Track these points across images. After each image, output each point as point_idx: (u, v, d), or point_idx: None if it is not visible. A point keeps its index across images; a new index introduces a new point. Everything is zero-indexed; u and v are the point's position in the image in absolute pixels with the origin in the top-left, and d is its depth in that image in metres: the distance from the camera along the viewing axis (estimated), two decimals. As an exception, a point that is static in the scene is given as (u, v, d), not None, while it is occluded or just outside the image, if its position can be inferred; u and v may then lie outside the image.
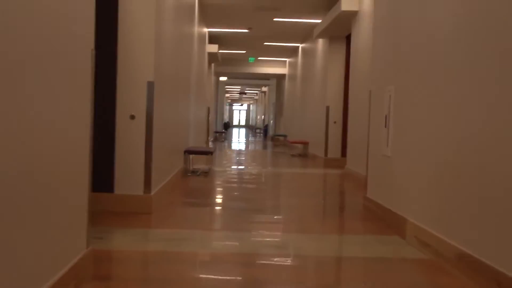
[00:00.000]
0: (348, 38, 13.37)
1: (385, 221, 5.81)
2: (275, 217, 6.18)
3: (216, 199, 7.49)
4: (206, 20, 15.34)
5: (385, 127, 5.90)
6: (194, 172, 10.29)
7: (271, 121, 33.29)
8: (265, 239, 5.00)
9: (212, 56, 18.02)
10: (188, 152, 9.86)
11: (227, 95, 53.12)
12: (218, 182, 9.24)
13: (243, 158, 15.27)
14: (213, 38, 17.81)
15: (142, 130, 6.07)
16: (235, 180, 9.70)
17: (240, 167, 12.35)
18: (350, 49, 11.34)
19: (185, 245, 4.60)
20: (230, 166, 12.36)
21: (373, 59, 6.65)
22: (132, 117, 6.07)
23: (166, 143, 7.36)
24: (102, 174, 6.07)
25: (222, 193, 8.16)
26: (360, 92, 10.33)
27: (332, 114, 13.65)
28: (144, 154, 6.07)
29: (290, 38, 18.14)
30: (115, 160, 6.08)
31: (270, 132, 33.04)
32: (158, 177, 6.66)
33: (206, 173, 10.27)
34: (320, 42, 15.15)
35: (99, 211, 6.01)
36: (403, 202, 5.31)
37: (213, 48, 16.78)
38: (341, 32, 13.00)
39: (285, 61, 24.82)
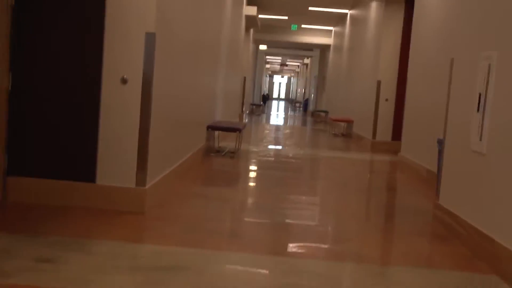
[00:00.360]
0: (408, 1, 11.44)
1: (470, 246, 4.07)
2: (313, 228, 4.50)
3: (237, 191, 5.84)
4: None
5: (478, 111, 4.12)
6: (219, 151, 8.66)
7: (312, 95, 31.44)
8: (302, 269, 3.33)
9: (250, 20, 16.24)
10: (212, 128, 8.22)
11: (267, 66, 51.27)
12: (244, 167, 7.59)
13: (278, 136, 13.57)
14: (252, 0, 16.00)
15: (136, 98, 4.43)
16: (265, 164, 8.04)
17: (273, 147, 10.67)
18: (414, 12, 9.43)
19: (177, 283, 2.96)
20: (262, 145, 10.70)
21: (461, 15, 4.83)
22: (124, 80, 4.42)
23: (177, 117, 5.72)
24: (80, 157, 4.47)
25: (245, 182, 6.51)
26: (426, 64, 8.48)
27: (384, 90, 11.80)
28: (138, 131, 4.44)
29: (338, 1, 16.21)
30: (99, 138, 4.47)
31: (311, 107, 31.24)
32: (160, 161, 5.04)
33: (233, 153, 8.63)
34: (374, 7, 13.23)
35: (74, 207, 4.43)
36: (504, 223, 3.56)
37: (252, 10, 14.99)
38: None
39: (331, 30, 22.84)
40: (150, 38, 4.41)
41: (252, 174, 7.16)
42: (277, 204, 5.28)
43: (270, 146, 10.65)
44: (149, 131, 4.46)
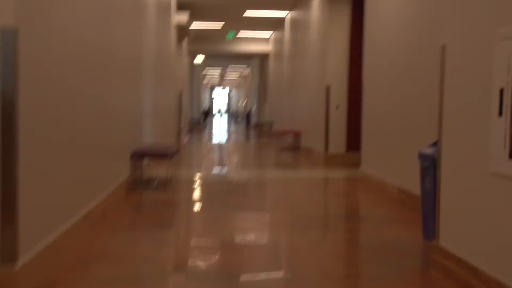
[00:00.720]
0: (354, -3, 10.29)
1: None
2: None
3: (166, 245, 4.36)
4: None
5: (501, 114, 2.82)
6: (149, 183, 7.16)
7: (254, 107, 30.20)
8: None
9: (182, 30, 14.79)
10: (137, 155, 6.72)
11: (206, 79, 49.77)
12: (176, 203, 6.12)
13: (220, 155, 12.14)
14: (183, 6, 14.53)
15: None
16: (205, 195, 6.62)
17: (215, 170, 9.23)
18: (366, 8, 8.22)
19: None
20: (202, 169, 9.26)
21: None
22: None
23: (76, 146, 4.20)
24: None
25: (178, 225, 5.05)
26: (388, 62, 7.25)
27: (334, 96, 10.56)
28: (-1, 179, 2.94)
29: (276, 3, 14.96)
30: None
31: (254, 119, 29.98)
32: (49, 215, 3.53)
33: (165, 184, 7.16)
34: (316, 7, 12.04)
35: None
36: None
37: (183, 18, 13.55)
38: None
39: (269, 37, 21.61)
40: (8, 37, 2.93)
41: (185, 211, 5.71)
42: (214, 262, 3.85)
43: (211, 170, 9.23)
44: (17, 174, 2.97)
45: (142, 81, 7.90)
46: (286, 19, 16.88)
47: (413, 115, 6.07)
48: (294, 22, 15.38)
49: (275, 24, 18.43)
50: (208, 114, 43.46)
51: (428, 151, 4.21)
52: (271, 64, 21.80)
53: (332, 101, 10.58)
